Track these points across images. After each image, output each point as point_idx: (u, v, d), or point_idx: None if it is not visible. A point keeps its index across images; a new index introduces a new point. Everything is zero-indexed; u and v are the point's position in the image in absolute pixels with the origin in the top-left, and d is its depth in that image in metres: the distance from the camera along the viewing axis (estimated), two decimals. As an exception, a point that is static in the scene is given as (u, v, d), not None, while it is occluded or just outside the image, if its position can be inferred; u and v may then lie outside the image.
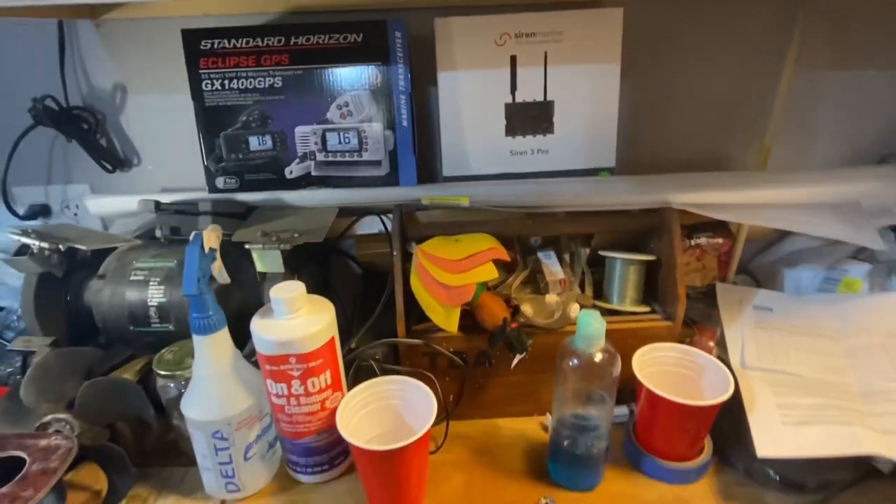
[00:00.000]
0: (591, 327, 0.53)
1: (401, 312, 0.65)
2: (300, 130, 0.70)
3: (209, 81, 0.68)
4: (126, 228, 0.79)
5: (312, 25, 0.67)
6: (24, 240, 0.64)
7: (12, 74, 0.75)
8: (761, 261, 0.85)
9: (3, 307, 0.82)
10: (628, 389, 0.59)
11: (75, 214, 0.82)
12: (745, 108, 0.77)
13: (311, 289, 0.56)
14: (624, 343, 0.55)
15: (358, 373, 0.64)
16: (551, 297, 0.64)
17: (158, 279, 0.66)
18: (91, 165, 0.79)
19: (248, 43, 0.67)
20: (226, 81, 0.68)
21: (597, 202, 0.69)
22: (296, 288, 0.55)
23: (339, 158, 0.71)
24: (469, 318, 0.63)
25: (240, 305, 0.65)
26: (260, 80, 0.68)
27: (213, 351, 0.55)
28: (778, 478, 0.57)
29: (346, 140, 0.70)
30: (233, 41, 0.67)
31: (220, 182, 0.72)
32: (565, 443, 0.58)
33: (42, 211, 0.81)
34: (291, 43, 0.67)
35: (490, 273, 0.62)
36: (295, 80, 0.68)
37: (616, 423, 0.61)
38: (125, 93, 0.76)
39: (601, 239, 0.74)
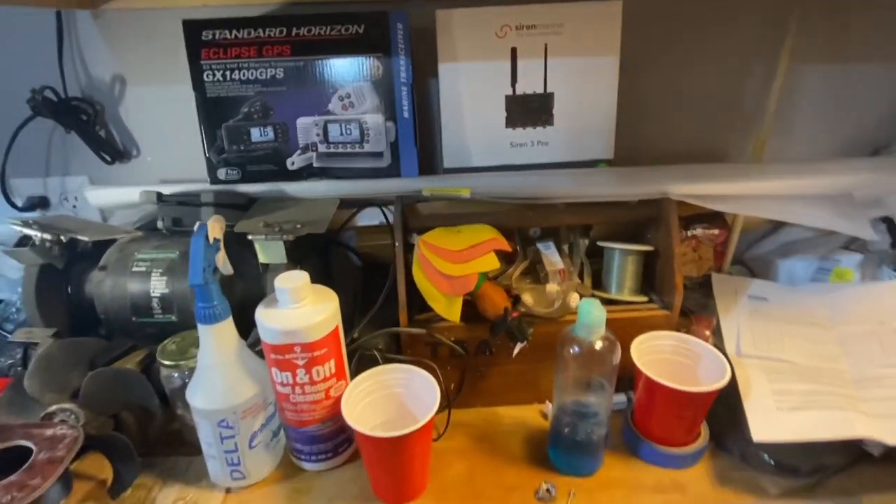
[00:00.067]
0: (591, 315, 0.54)
1: (403, 302, 0.65)
2: (302, 122, 0.70)
3: (210, 72, 0.68)
4: (126, 220, 0.79)
5: (314, 16, 0.67)
6: (26, 231, 0.64)
7: (10, 65, 0.74)
8: (756, 252, 0.86)
9: (2, 299, 0.82)
10: (626, 377, 0.61)
11: (74, 206, 0.82)
12: (742, 101, 0.78)
13: (313, 280, 0.57)
14: (622, 332, 0.56)
15: (360, 362, 0.65)
16: (552, 287, 0.65)
17: (161, 270, 0.66)
18: (89, 157, 0.78)
19: (249, 34, 0.67)
20: (227, 72, 0.68)
21: (595, 193, 0.70)
22: (300, 278, 0.55)
23: (340, 150, 0.71)
24: (470, 308, 0.64)
25: (242, 297, 0.66)
26: (261, 72, 0.68)
27: (218, 340, 0.55)
28: (772, 462, 0.58)
29: (348, 131, 0.70)
30: (234, 32, 0.67)
31: (221, 173, 0.72)
32: (566, 429, 0.59)
33: (40, 203, 0.81)
34: (293, 34, 0.67)
35: (492, 263, 0.63)
36: (296, 71, 0.68)
37: (614, 411, 0.62)
38: (124, 84, 0.76)
39: (600, 230, 0.75)
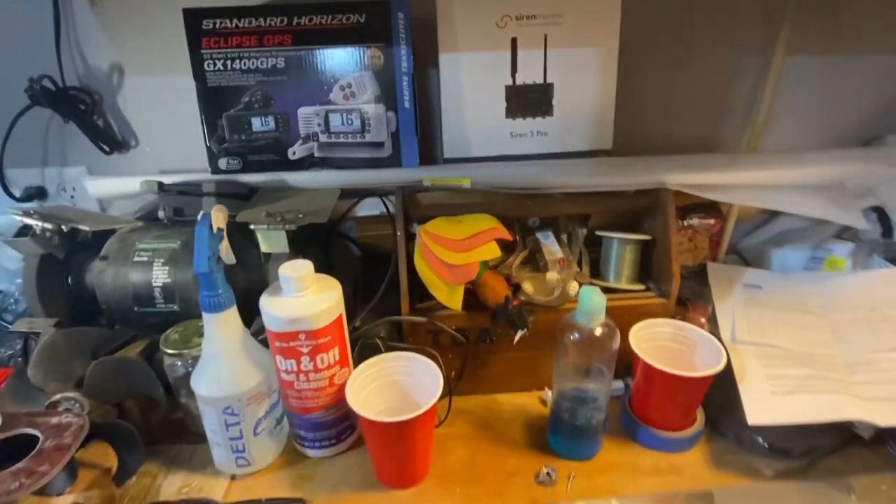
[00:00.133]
0: (592, 302, 0.55)
1: (405, 291, 0.66)
2: (303, 111, 0.70)
3: (211, 62, 0.68)
4: (125, 210, 0.79)
5: (315, 5, 0.67)
6: (27, 220, 0.64)
7: (6, 54, 0.73)
8: (750, 241, 0.88)
9: (0, 290, 0.82)
10: (623, 364, 0.62)
11: (72, 197, 0.82)
12: (738, 92, 0.79)
13: (315, 270, 0.57)
14: (620, 319, 0.57)
15: (363, 351, 0.65)
16: (552, 275, 0.65)
17: (162, 260, 0.66)
18: (87, 148, 0.78)
19: (250, 23, 0.66)
20: (228, 61, 0.68)
21: (594, 183, 0.71)
22: (304, 266, 0.56)
23: (341, 140, 0.72)
24: (470, 296, 0.65)
25: (244, 286, 0.66)
26: (262, 61, 0.68)
27: (222, 328, 0.55)
28: (766, 444, 0.60)
29: (349, 121, 0.70)
30: (235, 21, 0.66)
31: (222, 163, 0.72)
32: (565, 415, 0.60)
33: (38, 193, 0.81)
34: (294, 23, 0.67)
35: (493, 252, 0.63)
36: (297, 60, 0.68)
37: (612, 397, 0.63)
38: (122, 73, 0.75)
39: (598, 220, 0.76)
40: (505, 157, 0.75)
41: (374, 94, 0.70)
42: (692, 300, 0.74)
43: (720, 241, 0.82)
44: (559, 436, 0.62)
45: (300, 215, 0.64)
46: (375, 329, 0.67)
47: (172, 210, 0.69)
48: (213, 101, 0.70)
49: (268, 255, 0.67)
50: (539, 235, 0.72)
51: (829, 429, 0.60)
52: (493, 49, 0.70)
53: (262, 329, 0.61)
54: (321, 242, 0.78)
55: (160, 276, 0.66)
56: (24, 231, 0.67)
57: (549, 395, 0.70)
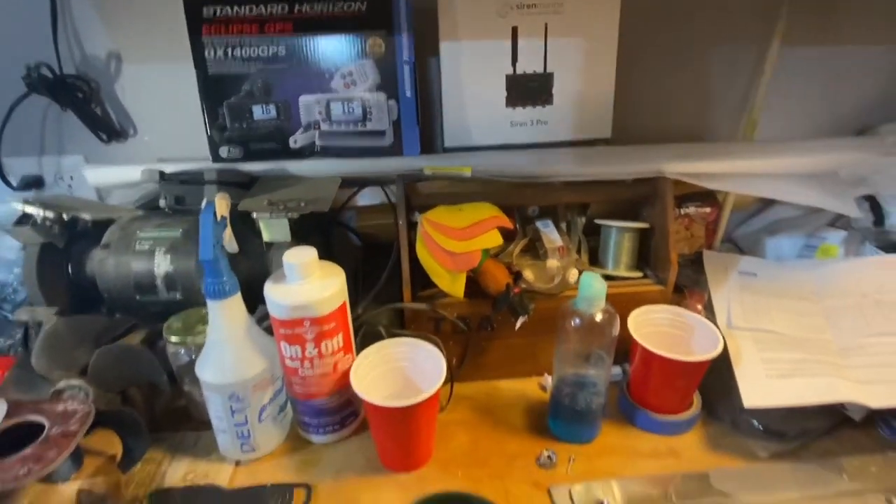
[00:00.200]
0: (592, 288, 0.56)
1: (406, 279, 0.67)
2: (304, 100, 0.70)
3: (212, 49, 0.67)
4: (123, 199, 0.79)
5: (316, -7, 0.67)
6: (28, 208, 0.64)
7: (2, 42, 0.73)
8: (745, 230, 0.89)
9: (-2, 280, 0.81)
10: (621, 351, 0.63)
11: (69, 186, 0.81)
12: (735, 82, 0.80)
13: (316, 259, 0.58)
14: (619, 306, 0.58)
15: (365, 338, 0.66)
16: (552, 262, 0.66)
17: (164, 248, 0.67)
18: (84, 136, 0.77)
19: (251, 10, 0.66)
20: (229, 49, 0.67)
21: (593, 172, 0.72)
22: (308, 253, 0.56)
23: (343, 128, 0.72)
24: (471, 285, 0.66)
25: (246, 275, 0.66)
26: (263, 49, 0.67)
27: (227, 315, 0.56)
28: (761, 427, 0.62)
29: (350, 110, 0.70)
30: (235, 8, 0.66)
31: (223, 151, 0.72)
32: (566, 399, 0.61)
33: (35, 182, 0.80)
34: (295, 11, 0.66)
35: (495, 240, 0.64)
36: (298, 48, 0.68)
37: (610, 382, 0.64)
38: (120, 61, 0.74)
39: (596, 209, 0.77)
40: (505, 145, 0.76)
41: (375, 83, 0.70)
42: (689, 287, 0.75)
43: (716, 230, 0.83)
44: (559, 420, 0.63)
45: (302, 203, 0.64)
46: (378, 317, 0.67)
47: (174, 199, 0.69)
48: (214, 90, 0.69)
49: (269, 243, 0.67)
50: (538, 224, 0.73)
51: (821, 411, 0.61)
52: (493, 38, 0.70)
53: (265, 317, 0.62)
54: (322, 232, 0.78)
55: (162, 264, 0.66)
56: (24, 220, 0.66)
57: (548, 380, 0.71)
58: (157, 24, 0.72)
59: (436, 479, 0.59)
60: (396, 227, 0.68)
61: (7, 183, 0.78)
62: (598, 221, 0.74)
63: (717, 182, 0.72)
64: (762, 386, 0.59)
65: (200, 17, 0.66)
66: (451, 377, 0.67)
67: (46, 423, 0.52)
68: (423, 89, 0.75)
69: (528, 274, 0.67)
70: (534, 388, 0.71)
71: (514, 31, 0.70)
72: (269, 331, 0.60)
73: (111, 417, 0.59)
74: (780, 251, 0.82)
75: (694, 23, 0.77)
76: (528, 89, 0.72)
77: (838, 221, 0.82)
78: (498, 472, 0.59)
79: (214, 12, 0.66)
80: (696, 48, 0.78)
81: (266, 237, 0.67)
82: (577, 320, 0.57)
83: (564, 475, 0.58)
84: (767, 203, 0.87)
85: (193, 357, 0.60)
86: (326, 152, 0.73)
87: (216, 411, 0.58)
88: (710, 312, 0.71)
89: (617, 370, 0.69)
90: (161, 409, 0.67)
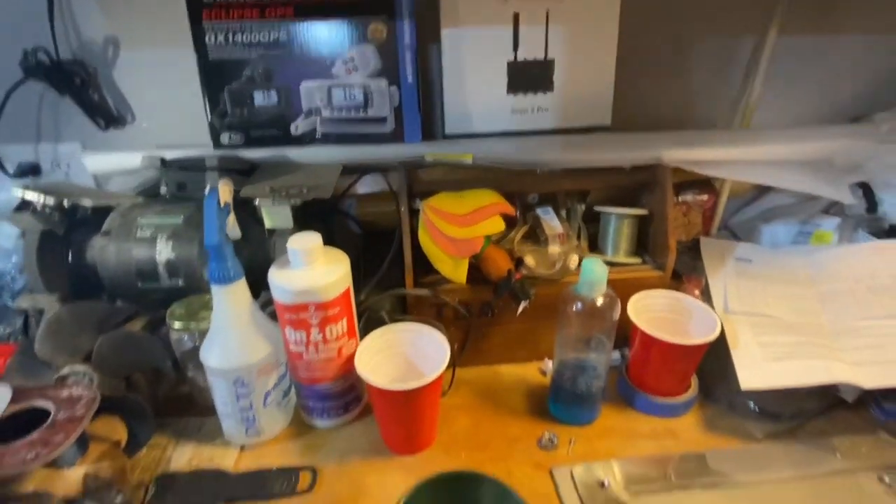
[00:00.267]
0: (594, 273, 0.56)
1: (409, 265, 0.67)
2: (305, 86, 0.70)
3: (212, 34, 0.67)
4: (122, 187, 0.78)
5: (317, -22, 0.67)
6: (28, 194, 0.63)
7: (-2, 25, 0.72)
8: (741, 217, 0.90)
9: (-5, 268, 0.81)
10: (620, 336, 0.64)
11: (67, 174, 0.80)
12: (733, 70, 0.81)
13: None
14: (618, 292, 0.59)
15: (368, 324, 0.66)
16: (553, 248, 0.67)
17: (166, 235, 0.66)
18: (81, 123, 0.77)
19: (252, -5, 0.66)
20: (230, 34, 0.67)
21: (593, 159, 0.72)
22: (313, 239, 0.56)
23: (344, 115, 0.72)
24: (472, 271, 0.66)
25: (247, 262, 0.66)
26: (264, 34, 0.67)
27: (232, 300, 0.56)
28: (757, 409, 0.63)
29: (352, 96, 0.70)
30: (236, -7, 0.66)
31: (224, 138, 0.72)
32: (567, 383, 0.62)
33: (32, 169, 0.79)
34: (296, -5, 0.66)
35: (497, 226, 0.65)
36: (300, 33, 0.68)
37: (609, 367, 0.65)
38: (118, 46, 0.74)
39: (595, 196, 0.77)
40: (505, 132, 0.76)
41: (376, 69, 0.70)
42: (686, 273, 0.76)
43: (713, 217, 0.84)
44: (560, 403, 0.64)
45: (304, 190, 0.64)
46: (380, 303, 0.68)
47: (175, 185, 0.69)
48: (215, 75, 0.69)
49: (271, 230, 0.68)
50: (539, 211, 0.73)
51: (815, 393, 0.63)
52: (495, 24, 0.71)
53: (267, 303, 0.62)
54: (323, 220, 0.78)
55: (164, 251, 0.66)
56: (24, 206, 0.66)
57: (548, 365, 0.72)
58: (156, 9, 0.71)
59: (439, 461, 0.59)
60: (398, 213, 0.68)
61: (4, 170, 0.77)
62: (597, 208, 0.75)
63: (715, 169, 0.73)
64: (759, 368, 0.61)
65: (201, 2, 0.66)
66: (453, 362, 0.68)
67: (52, 409, 0.53)
68: (423, 76, 0.75)
69: (530, 260, 0.68)
70: (534, 372, 0.72)
71: (516, 17, 0.70)
72: (272, 317, 0.60)
73: (116, 403, 0.59)
74: (776, 238, 0.83)
75: (693, 12, 0.77)
76: (529, 76, 0.73)
77: (832, 209, 0.84)
78: (500, 455, 0.60)
79: (215, -3, 0.66)
80: (696, 37, 0.78)
81: (268, 224, 0.67)
82: (579, 305, 0.58)
83: (565, 456, 0.59)
84: (763, 191, 0.89)
85: (197, 343, 0.61)
86: (328, 139, 0.73)
87: (221, 396, 0.59)
88: (707, 298, 0.72)
89: (616, 355, 0.71)
90: (164, 396, 0.67)
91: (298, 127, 0.72)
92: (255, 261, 0.66)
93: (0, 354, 0.63)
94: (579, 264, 0.69)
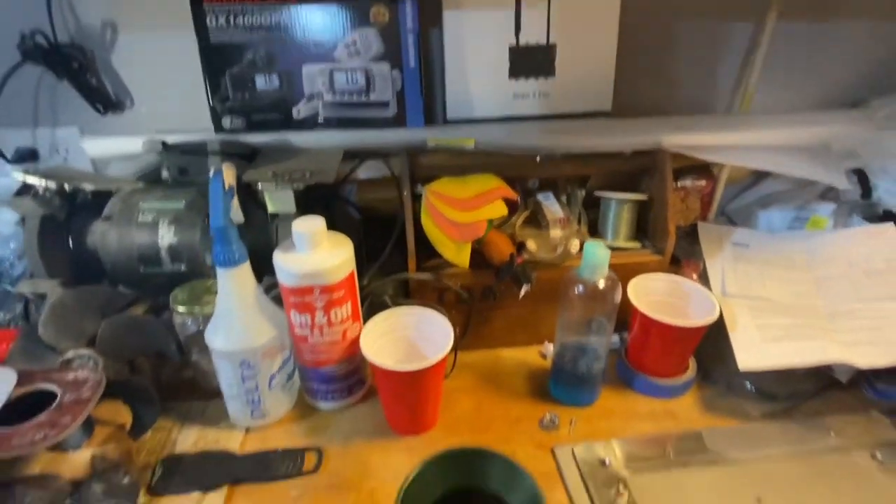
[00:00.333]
0: (596, 256, 0.57)
1: (412, 250, 0.67)
2: (307, 69, 0.70)
3: (214, 17, 0.66)
4: (120, 172, 0.78)
5: (319, -40, 0.66)
6: (29, 179, 0.63)
7: (-7, 8, 0.71)
8: (738, 204, 0.91)
9: (-7, 254, 0.80)
10: (619, 320, 0.64)
11: (65, 159, 0.80)
12: (732, 56, 0.81)
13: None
14: (618, 276, 0.59)
15: (371, 308, 0.67)
16: (555, 232, 0.68)
17: (168, 220, 0.66)
18: (79, 108, 0.76)
19: (253, -23, 0.65)
20: (231, 17, 0.66)
21: (594, 144, 0.73)
22: (318, 223, 0.57)
23: (346, 99, 0.71)
24: (473, 256, 0.67)
25: (250, 247, 0.66)
26: (266, 17, 0.67)
27: (237, 283, 0.56)
28: (754, 389, 0.65)
29: (354, 80, 0.70)
30: (237, -25, 0.65)
31: (226, 122, 0.71)
32: (568, 365, 0.63)
33: (30, 155, 0.79)
34: (298, -22, 0.66)
35: (500, 210, 0.65)
36: (302, 16, 0.67)
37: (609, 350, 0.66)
38: (116, 30, 0.73)
39: (595, 182, 0.78)
40: (507, 118, 0.76)
41: (378, 52, 0.70)
42: (684, 258, 0.77)
43: (711, 203, 0.85)
44: (561, 385, 0.65)
45: (307, 174, 0.64)
46: (383, 287, 0.68)
47: (177, 170, 0.68)
48: (216, 59, 0.69)
49: (274, 215, 0.68)
50: (539, 197, 0.74)
51: (810, 374, 0.64)
52: (497, 8, 0.70)
53: (270, 287, 0.63)
54: (324, 206, 0.78)
55: (166, 236, 0.66)
56: (24, 191, 0.65)
57: (548, 348, 0.73)
58: (155, -8, 0.70)
59: (443, 441, 0.60)
60: (401, 198, 0.68)
61: (2, 156, 0.76)
62: (598, 193, 0.75)
63: (714, 154, 0.74)
64: (756, 349, 0.62)
65: (201, -16, 0.65)
66: (455, 346, 0.69)
67: (58, 391, 0.53)
68: (424, 61, 0.75)
69: (531, 244, 0.68)
70: (534, 356, 0.73)
71: (518, 1, 0.70)
72: (275, 301, 0.61)
73: (121, 386, 0.60)
74: (772, 224, 0.84)
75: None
76: (531, 61, 0.73)
77: (828, 194, 0.85)
78: (503, 435, 0.61)
79: (216, -21, 0.65)
80: (695, 23, 0.79)
81: (271, 208, 0.67)
82: (581, 287, 0.58)
83: (567, 436, 0.61)
84: (759, 177, 0.89)
85: (201, 327, 0.61)
86: (330, 123, 0.73)
87: (227, 378, 0.59)
88: (705, 282, 0.73)
89: (615, 339, 0.71)
90: (167, 379, 0.67)
91: (300, 111, 0.72)
92: (258, 245, 0.66)
93: (2, 339, 0.63)
94: (580, 248, 0.70)
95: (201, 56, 0.68)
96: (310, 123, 0.73)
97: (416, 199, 0.69)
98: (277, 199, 0.66)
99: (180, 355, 0.64)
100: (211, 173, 0.54)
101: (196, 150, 0.68)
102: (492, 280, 0.68)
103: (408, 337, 0.63)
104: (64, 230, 0.69)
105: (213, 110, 0.71)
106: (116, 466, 0.54)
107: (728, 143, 0.74)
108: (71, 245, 0.70)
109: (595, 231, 0.77)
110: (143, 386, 0.60)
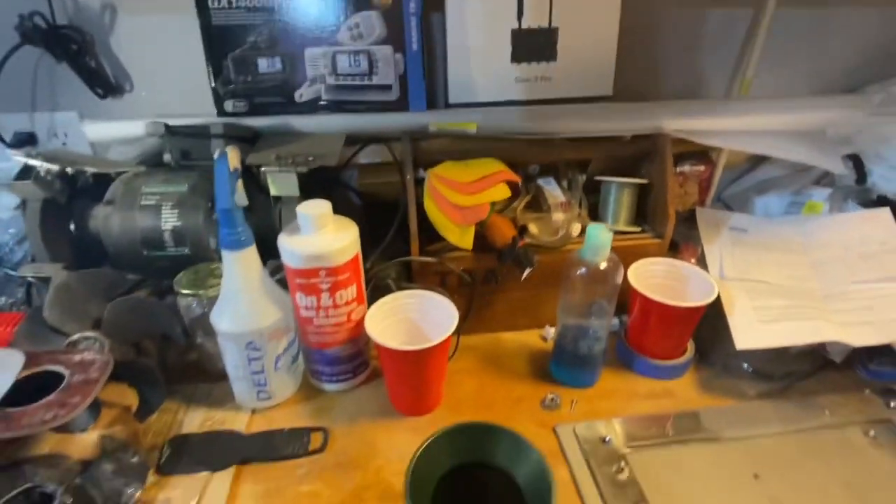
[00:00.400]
0: (599, 238, 0.58)
1: (414, 233, 0.68)
2: (310, 52, 0.69)
3: (216, -1, 0.66)
4: (122, 156, 0.78)
5: (320, -58, 0.66)
6: (30, 161, 0.63)
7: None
8: (735, 189, 0.92)
9: (-7, 239, 0.80)
10: (619, 303, 0.65)
11: (64, 143, 0.79)
12: (732, 41, 0.82)
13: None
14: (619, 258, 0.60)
15: (375, 291, 0.68)
16: (558, 215, 0.68)
17: (171, 203, 0.66)
18: (78, 92, 0.75)
19: (255, -42, 0.65)
20: (233, -1, 0.66)
21: (595, 128, 0.73)
22: (323, 206, 0.57)
23: (349, 82, 0.71)
24: (476, 240, 0.67)
25: (253, 230, 0.66)
26: (269, -1, 0.66)
27: (243, 266, 0.57)
28: (750, 370, 0.66)
29: (357, 63, 0.70)
30: (239, -44, 0.65)
31: (228, 105, 0.71)
32: (569, 346, 0.64)
33: (29, 139, 0.78)
34: (301, -41, 0.66)
35: (503, 193, 0.66)
36: (304, -2, 0.67)
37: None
38: (115, 12, 0.72)
39: (595, 167, 0.78)
40: (509, 102, 0.76)
41: (381, 35, 0.69)
42: (683, 242, 0.78)
43: (709, 188, 0.86)
44: (562, 366, 0.66)
45: (310, 158, 0.65)
46: (387, 270, 0.69)
47: (180, 153, 0.68)
48: (218, 42, 0.68)
49: (276, 198, 0.68)
50: (541, 181, 0.74)
51: (805, 354, 0.66)
52: (499, -9, 0.70)
53: (275, 271, 0.63)
54: (325, 190, 0.78)
55: (170, 219, 0.66)
56: (25, 174, 0.65)
57: (549, 331, 0.74)
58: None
59: (447, 421, 0.59)
60: (403, 183, 0.69)
61: (1, 139, 0.76)
62: (598, 178, 0.76)
63: (713, 139, 0.74)
64: (753, 330, 0.63)
65: (203, -35, 0.65)
66: (458, 329, 0.69)
67: (66, 373, 0.53)
68: (426, 44, 0.75)
69: (533, 227, 0.69)
70: (535, 339, 0.74)
71: (520, -16, 0.70)
72: (281, 283, 0.61)
73: (127, 368, 0.60)
74: (769, 209, 0.85)
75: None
76: (533, 45, 0.73)
77: (823, 180, 0.86)
78: (505, 415, 0.62)
79: (217, -40, 0.65)
80: (696, 8, 0.79)
81: (274, 192, 0.67)
82: (583, 269, 0.59)
83: (568, 415, 0.62)
84: (756, 163, 0.90)
85: (206, 310, 0.61)
86: (332, 106, 0.73)
87: (233, 360, 0.59)
88: (702, 266, 0.74)
89: (614, 321, 0.73)
90: (173, 362, 0.68)
91: (303, 94, 0.72)
92: (261, 229, 0.66)
93: (7, 323, 0.63)
94: (581, 232, 0.71)
95: (203, 39, 0.68)
96: (312, 107, 0.73)
97: (419, 183, 0.69)
98: (280, 183, 0.66)
99: (185, 338, 0.64)
100: (216, 156, 0.54)
101: (199, 133, 0.68)
102: (494, 263, 0.68)
103: (412, 319, 0.64)
104: (66, 214, 0.69)
105: (215, 93, 0.71)
106: (125, 446, 0.55)
107: (727, 128, 0.75)
108: (73, 229, 0.69)
109: (595, 215, 0.77)
110: (149, 368, 0.60)
